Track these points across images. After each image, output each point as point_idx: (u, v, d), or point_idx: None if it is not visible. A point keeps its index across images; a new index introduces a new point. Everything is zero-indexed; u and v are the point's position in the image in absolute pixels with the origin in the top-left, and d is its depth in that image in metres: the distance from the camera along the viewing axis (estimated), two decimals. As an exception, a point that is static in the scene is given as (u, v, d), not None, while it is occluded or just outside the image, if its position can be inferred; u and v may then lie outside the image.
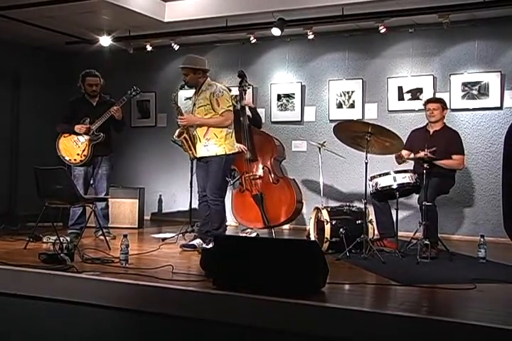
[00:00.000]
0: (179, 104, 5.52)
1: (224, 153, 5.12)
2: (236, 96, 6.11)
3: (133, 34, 7.31)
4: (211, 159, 5.14)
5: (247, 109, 6.16)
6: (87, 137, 5.86)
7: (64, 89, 7.96)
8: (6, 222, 6.57)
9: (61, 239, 4.81)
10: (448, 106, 5.64)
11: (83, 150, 5.86)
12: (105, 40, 7.27)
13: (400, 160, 5.42)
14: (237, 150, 5.37)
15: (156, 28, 7.03)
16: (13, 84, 8.17)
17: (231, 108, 5.18)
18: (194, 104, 5.25)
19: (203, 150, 5.17)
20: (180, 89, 5.39)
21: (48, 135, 6.60)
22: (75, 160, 5.88)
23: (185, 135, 5.17)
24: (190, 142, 5.19)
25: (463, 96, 6.46)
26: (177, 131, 5.23)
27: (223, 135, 5.14)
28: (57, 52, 8.42)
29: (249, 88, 6.37)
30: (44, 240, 5.53)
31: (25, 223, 6.44)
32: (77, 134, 5.86)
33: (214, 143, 5.12)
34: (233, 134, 5.25)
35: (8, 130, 8.12)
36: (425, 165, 4.88)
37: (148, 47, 7.49)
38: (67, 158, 5.90)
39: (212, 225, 5.17)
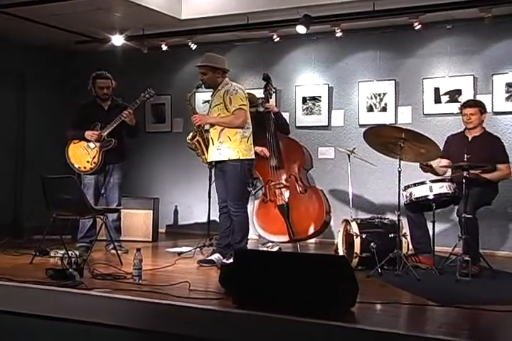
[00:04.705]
0: (197, 108, 5.55)
1: (237, 157, 5.11)
2: (260, 99, 6.13)
3: (147, 33, 7.38)
4: (225, 167, 5.15)
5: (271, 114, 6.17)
6: (97, 143, 5.91)
7: (73, 91, 8.04)
8: (11, 234, 6.64)
9: (70, 253, 4.86)
10: (487, 110, 5.57)
11: (93, 157, 5.91)
12: (117, 40, 7.35)
13: (428, 169, 5.39)
14: (253, 156, 5.31)
15: (172, 26, 7.08)
16: (19, 86, 8.27)
17: (244, 107, 5.18)
18: (210, 106, 5.29)
19: (215, 153, 5.18)
20: (197, 88, 5.39)
21: (56, 141, 6.68)
22: (84, 167, 5.93)
23: (198, 138, 5.21)
24: (203, 146, 5.22)
25: (507, 98, 6.40)
26: (190, 134, 5.28)
27: (237, 138, 5.14)
28: (66, 51, 8.50)
29: (274, 92, 6.41)
30: (51, 254, 5.57)
31: (32, 236, 6.49)
32: (88, 140, 5.93)
33: (227, 147, 5.13)
34: (250, 139, 5.24)
35: (14, 134, 8.20)
36: (465, 174, 4.84)
37: (164, 47, 7.56)
38: (76, 166, 5.95)
39: (234, 238, 5.18)
